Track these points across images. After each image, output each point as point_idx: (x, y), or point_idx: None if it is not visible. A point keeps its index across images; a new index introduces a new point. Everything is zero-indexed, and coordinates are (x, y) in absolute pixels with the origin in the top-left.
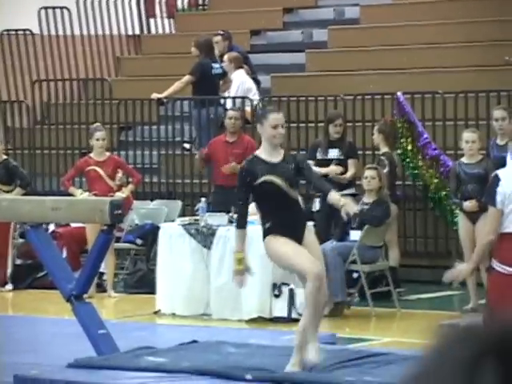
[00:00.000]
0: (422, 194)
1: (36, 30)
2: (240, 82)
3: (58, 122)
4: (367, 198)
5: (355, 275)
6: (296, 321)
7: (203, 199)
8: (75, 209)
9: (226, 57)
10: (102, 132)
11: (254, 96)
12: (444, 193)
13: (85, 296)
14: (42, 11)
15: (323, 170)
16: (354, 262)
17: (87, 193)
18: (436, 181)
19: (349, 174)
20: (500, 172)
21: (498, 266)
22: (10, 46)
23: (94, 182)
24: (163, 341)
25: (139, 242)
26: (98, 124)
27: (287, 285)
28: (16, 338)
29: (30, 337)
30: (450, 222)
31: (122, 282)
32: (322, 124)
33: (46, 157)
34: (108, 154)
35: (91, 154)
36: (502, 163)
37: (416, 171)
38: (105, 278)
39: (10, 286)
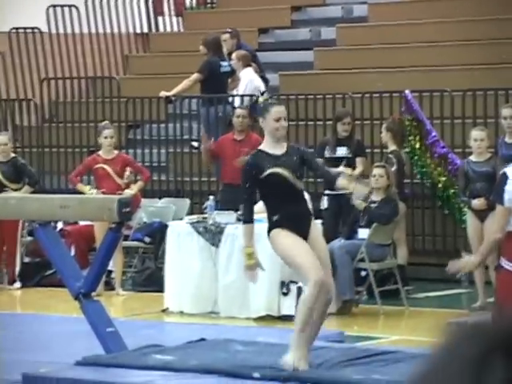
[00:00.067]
0: (430, 192)
1: (44, 29)
2: (248, 80)
3: (67, 120)
4: (375, 196)
5: (363, 273)
6: None
7: (211, 197)
8: (83, 207)
9: (234, 55)
10: (111, 130)
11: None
12: (452, 191)
13: (93, 294)
14: (51, 9)
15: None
16: (362, 260)
17: (95, 190)
18: (444, 179)
19: (357, 172)
20: (508, 170)
21: (506, 264)
22: (18, 45)
23: (102, 179)
24: (171, 339)
25: (147, 240)
26: (106, 122)
27: (295, 283)
28: (24, 336)
29: (38, 335)
30: (458, 220)
31: (130, 280)
32: (330, 122)
33: (54, 155)
34: (116, 151)
35: (99, 152)
36: (511, 161)
37: (424, 169)
38: (113, 276)
39: (18, 284)
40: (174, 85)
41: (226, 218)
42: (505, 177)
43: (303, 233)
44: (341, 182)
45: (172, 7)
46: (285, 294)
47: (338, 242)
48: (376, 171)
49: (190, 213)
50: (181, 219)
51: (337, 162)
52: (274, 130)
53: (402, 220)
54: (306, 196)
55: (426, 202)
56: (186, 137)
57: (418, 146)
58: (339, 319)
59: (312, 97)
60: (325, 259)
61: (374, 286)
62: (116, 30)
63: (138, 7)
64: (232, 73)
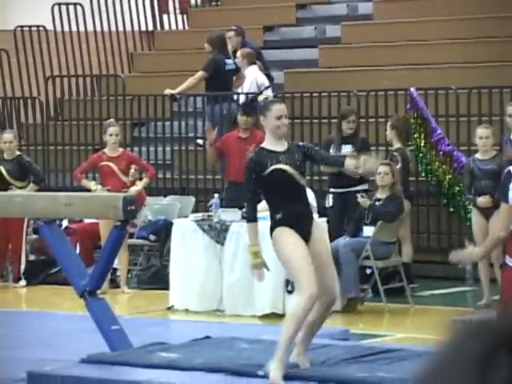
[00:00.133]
0: (435, 189)
1: (49, 27)
2: (253, 78)
3: (72, 118)
4: (380, 194)
5: (368, 271)
6: None
7: (216, 195)
8: (88, 205)
9: (239, 53)
10: (116, 128)
11: (267, 92)
12: (457, 188)
13: (98, 292)
14: (56, 7)
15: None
16: (367, 257)
17: (100, 186)
18: (449, 177)
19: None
20: None
21: (511, 261)
22: (23, 42)
23: (107, 177)
24: (176, 337)
25: (152, 237)
26: (111, 120)
27: None
28: (29, 333)
29: (43, 332)
30: (463, 217)
31: (136, 277)
32: (335, 120)
33: (59, 153)
34: (121, 149)
35: (105, 150)
36: None
37: (429, 167)
38: (118, 273)
39: (23, 282)
40: (178, 83)
41: (231, 215)
42: (509, 175)
43: (305, 232)
44: (348, 161)
45: (177, 5)
46: (290, 292)
47: (343, 240)
48: (381, 169)
49: (195, 210)
50: (186, 217)
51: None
52: (276, 127)
53: (407, 218)
54: (311, 194)
55: (431, 200)
56: (190, 135)
57: (423, 143)
58: (344, 317)
59: (317, 95)
60: (327, 260)
61: (379, 283)
62: (121, 28)
63: (143, 5)
64: (237, 71)
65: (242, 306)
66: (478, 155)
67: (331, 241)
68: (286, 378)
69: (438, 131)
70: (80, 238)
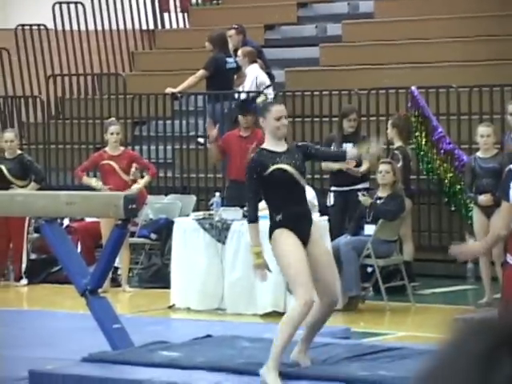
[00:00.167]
0: (436, 188)
1: (50, 25)
2: (254, 77)
3: (73, 116)
4: (381, 193)
5: (369, 269)
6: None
7: (217, 194)
8: (90, 203)
9: (239, 51)
10: (117, 126)
11: (268, 90)
12: (459, 187)
13: (99, 290)
14: (57, 6)
15: (336, 165)
16: (368, 256)
17: (101, 182)
18: (450, 175)
19: (363, 169)
20: None
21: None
22: (24, 41)
23: (108, 176)
24: (178, 335)
25: (154, 236)
26: (112, 119)
27: None
28: (30, 332)
29: (44, 331)
30: (464, 216)
31: (137, 276)
32: (336, 118)
33: (60, 152)
34: (122, 148)
35: (106, 149)
36: None
37: (430, 165)
38: (119, 272)
39: (24, 281)
40: (179, 81)
41: (232, 214)
42: (510, 173)
43: (304, 234)
44: (350, 151)
45: (178, 3)
46: (291, 292)
47: (344, 239)
48: (382, 167)
49: (196, 209)
50: (187, 216)
51: None
52: (276, 128)
53: (408, 216)
54: (312, 192)
55: (432, 198)
56: (192, 133)
57: (424, 142)
58: (345, 315)
59: (318, 93)
60: (327, 263)
61: (380, 282)
62: (122, 27)
63: (144, 4)
64: (238, 69)
65: (244, 304)
66: (479, 153)
67: (332, 239)
68: (286, 376)
69: (439, 129)
70: (81, 236)
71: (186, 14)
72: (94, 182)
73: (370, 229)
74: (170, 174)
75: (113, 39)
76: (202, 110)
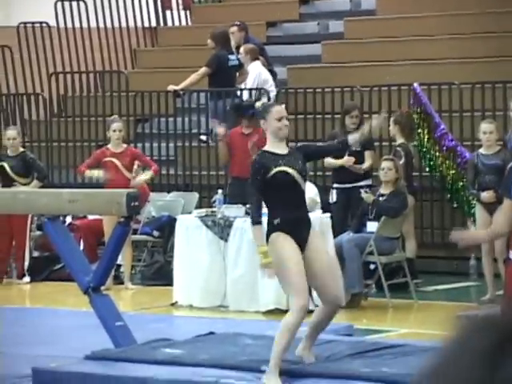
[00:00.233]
0: (439, 184)
1: (53, 23)
2: (256, 74)
3: (75, 114)
4: (384, 190)
5: (372, 266)
6: (312, 312)
7: (220, 191)
8: (92, 201)
9: (242, 49)
10: (119, 123)
11: (271, 88)
12: (461, 184)
13: (102, 288)
14: (59, 4)
15: (339, 162)
16: (371, 253)
17: (102, 171)
18: (453, 172)
19: (365, 166)
20: None
21: None
22: (26, 39)
23: (110, 173)
24: (180, 333)
25: (156, 233)
26: (115, 116)
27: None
28: (33, 330)
29: (47, 329)
30: (467, 213)
31: (139, 273)
32: (338, 115)
33: (62, 149)
34: (125, 145)
35: (108, 146)
36: None
37: (433, 162)
38: (122, 270)
39: (27, 279)
40: (182, 79)
41: (235, 211)
42: None
43: (302, 239)
44: (351, 137)
45: (180, 1)
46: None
47: (347, 236)
48: (384, 164)
49: (199, 206)
50: (189, 213)
51: (345, 154)
52: (277, 129)
53: (411, 213)
54: (315, 189)
55: (434, 195)
56: (194, 131)
57: (426, 139)
58: (348, 312)
59: (320, 90)
60: (327, 269)
61: (383, 279)
62: (124, 24)
63: (146, 1)
64: (240, 66)
65: (246, 301)
66: (481, 150)
67: (335, 236)
68: (289, 374)
69: (442, 126)
70: (84, 234)
71: (188, 12)
72: (96, 173)
73: (372, 226)
74: (172, 172)
75: (115, 37)
76: (205, 108)
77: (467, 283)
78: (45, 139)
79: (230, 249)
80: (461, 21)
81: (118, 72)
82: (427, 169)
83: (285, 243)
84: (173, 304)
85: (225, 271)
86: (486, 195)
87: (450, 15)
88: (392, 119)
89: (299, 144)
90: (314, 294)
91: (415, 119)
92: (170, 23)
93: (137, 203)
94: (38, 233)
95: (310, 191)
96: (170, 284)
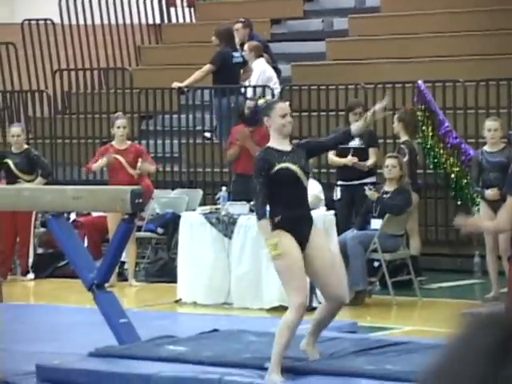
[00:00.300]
0: (443, 182)
1: (57, 20)
2: (261, 71)
3: (79, 111)
4: (388, 187)
5: (376, 264)
6: (315, 310)
7: (224, 188)
8: (96, 198)
9: (246, 46)
10: (123, 120)
11: (275, 85)
12: (465, 181)
13: (106, 285)
14: (63, 0)
15: (342, 160)
16: (375, 250)
17: (105, 157)
18: (457, 169)
19: (369, 163)
20: None
21: None
22: (30, 36)
23: (115, 170)
24: (184, 330)
25: (160, 231)
26: (119, 113)
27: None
28: (37, 327)
29: (51, 326)
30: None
31: (143, 270)
32: (342, 113)
33: (66, 146)
34: (129, 142)
35: (113, 142)
36: None
37: (437, 160)
38: (126, 267)
39: (31, 275)
40: (186, 76)
41: (239, 208)
42: None
43: (302, 236)
44: (354, 126)
45: None
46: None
47: (351, 233)
48: (389, 162)
49: (203, 203)
50: (193, 210)
51: (349, 152)
52: (281, 126)
53: (415, 210)
54: (319, 186)
55: (438, 193)
56: (198, 128)
57: (430, 136)
58: (352, 310)
59: (324, 87)
60: (330, 267)
61: (387, 276)
62: (128, 21)
63: None
64: (244, 63)
65: (250, 298)
66: (486, 147)
67: (339, 234)
68: (293, 371)
69: (446, 124)
70: (88, 231)
71: (192, 9)
72: (102, 162)
73: (376, 223)
74: (176, 169)
75: (119, 33)
76: (209, 105)
77: (471, 281)
78: (49, 136)
79: (234, 246)
80: (466, 18)
81: (122, 69)
82: (431, 166)
83: (284, 241)
84: (177, 301)
85: (229, 268)
86: (491, 193)
87: (455, 12)
88: (396, 116)
89: (303, 141)
90: (318, 291)
91: (419, 116)
92: (174, 20)
93: (141, 200)
94: (42, 230)
95: (314, 188)
96: (174, 281)
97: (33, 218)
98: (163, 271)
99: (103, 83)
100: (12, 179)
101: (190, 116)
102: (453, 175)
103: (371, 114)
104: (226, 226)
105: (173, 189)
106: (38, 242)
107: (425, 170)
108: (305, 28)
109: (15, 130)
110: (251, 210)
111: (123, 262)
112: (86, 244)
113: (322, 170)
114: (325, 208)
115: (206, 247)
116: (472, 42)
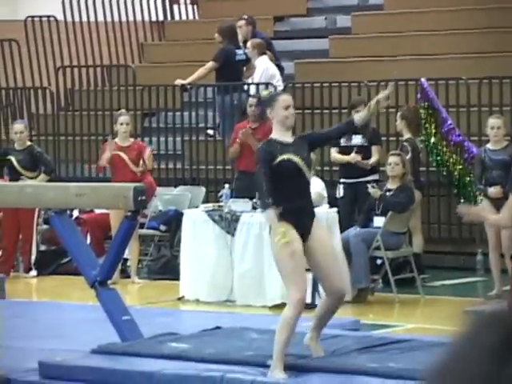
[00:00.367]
0: (446, 180)
1: (60, 17)
2: (264, 69)
3: (82, 108)
4: (391, 185)
5: (379, 261)
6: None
7: (227, 185)
8: (99, 195)
9: (249, 43)
10: (126, 117)
11: (278, 82)
12: (468, 179)
13: (109, 282)
14: None
15: (345, 158)
16: (377, 248)
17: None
18: (460, 167)
19: (372, 160)
20: None
21: None
22: (34, 33)
23: (118, 167)
24: (187, 327)
25: (163, 228)
26: (122, 110)
27: (311, 271)
28: (40, 324)
29: (54, 323)
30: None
31: (146, 268)
32: (345, 110)
33: (69, 143)
34: (132, 139)
35: (116, 139)
36: None
37: (440, 157)
38: (129, 264)
39: (34, 272)
40: (189, 73)
41: (242, 206)
42: None
43: (304, 228)
44: (357, 116)
45: None
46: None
47: (354, 230)
48: (391, 159)
49: (206, 201)
50: (196, 207)
51: (352, 150)
52: (284, 118)
53: (418, 208)
54: (321, 184)
55: (441, 190)
56: (201, 125)
57: (433, 134)
58: (355, 307)
59: (327, 85)
60: (331, 260)
61: (390, 274)
62: (131, 19)
63: None
64: (247, 61)
65: (253, 296)
66: (489, 145)
67: (342, 231)
68: (295, 368)
69: (449, 121)
70: (90, 228)
71: (195, 6)
72: (106, 155)
73: (379, 221)
74: (179, 166)
75: (122, 31)
76: (212, 102)
77: (474, 278)
78: (52, 133)
79: (236, 243)
80: (469, 16)
81: (125, 66)
82: (434, 164)
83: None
84: (179, 298)
85: (231, 266)
86: (493, 190)
87: (458, 10)
88: (399, 114)
89: (305, 132)
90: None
91: (422, 114)
92: (177, 17)
93: (144, 197)
94: (45, 227)
95: (317, 186)
96: (177, 278)
97: (35, 215)
98: (166, 268)
99: (106, 80)
100: (15, 176)
101: (193, 113)
102: (456, 173)
103: (375, 103)
104: (229, 224)
105: (176, 186)
106: (41, 238)
107: (428, 167)
108: (308, 25)
109: (18, 126)
110: (254, 208)
111: (126, 259)
112: (88, 241)
113: (325, 168)
114: (327, 205)
115: (209, 244)
116: (475, 39)
